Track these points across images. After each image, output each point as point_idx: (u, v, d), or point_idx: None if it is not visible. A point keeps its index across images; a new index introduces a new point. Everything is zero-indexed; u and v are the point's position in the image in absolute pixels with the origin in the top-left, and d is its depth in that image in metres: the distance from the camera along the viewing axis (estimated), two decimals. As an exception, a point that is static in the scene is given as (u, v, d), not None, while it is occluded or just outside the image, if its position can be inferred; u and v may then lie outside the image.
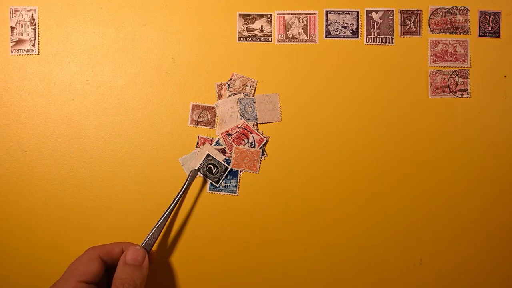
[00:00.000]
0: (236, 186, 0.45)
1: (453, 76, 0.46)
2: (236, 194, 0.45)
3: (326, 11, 0.46)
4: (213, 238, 0.45)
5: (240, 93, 0.46)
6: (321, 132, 0.46)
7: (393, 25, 0.46)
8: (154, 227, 0.41)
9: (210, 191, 0.45)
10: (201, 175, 0.44)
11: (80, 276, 0.35)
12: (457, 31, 0.46)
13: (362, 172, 0.46)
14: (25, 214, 0.45)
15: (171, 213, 0.41)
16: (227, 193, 0.45)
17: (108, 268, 0.39)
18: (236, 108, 0.45)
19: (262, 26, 0.46)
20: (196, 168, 0.43)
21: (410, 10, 0.46)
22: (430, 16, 0.46)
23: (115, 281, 0.36)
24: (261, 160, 0.45)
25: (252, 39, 0.46)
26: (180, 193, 0.42)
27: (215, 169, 0.43)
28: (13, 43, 0.45)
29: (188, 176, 0.43)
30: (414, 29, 0.46)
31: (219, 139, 0.45)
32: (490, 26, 0.46)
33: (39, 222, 0.45)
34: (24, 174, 0.45)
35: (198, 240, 0.45)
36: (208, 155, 0.42)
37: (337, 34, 0.46)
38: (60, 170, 0.45)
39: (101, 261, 0.37)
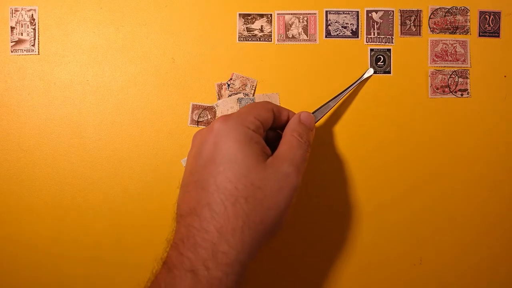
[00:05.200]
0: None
1: (453, 76, 0.46)
2: None
3: (326, 11, 0.46)
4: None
5: (240, 93, 0.46)
6: (321, 132, 0.46)
7: (393, 25, 0.46)
8: (328, 102, 0.42)
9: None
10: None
11: (257, 115, 0.34)
12: (457, 31, 0.46)
13: (362, 172, 0.46)
14: (25, 214, 0.45)
15: (342, 97, 0.43)
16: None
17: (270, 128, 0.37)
18: (236, 108, 0.45)
19: (262, 26, 0.46)
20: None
21: (410, 10, 0.46)
22: (430, 16, 0.46)
23: (293, 131, 0.35)
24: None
25: (252, 39, 0.46)
26: (352, 86, 0.44)
27: None
28: (13, 43, 0.45)
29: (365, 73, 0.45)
30: (414, 29, 0.46)
31: None
32: (490, 26, 0.46)
33: (39, 222, 0.45)
34: (24, 174, 0.45)
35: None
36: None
37: (337, 34, 0.46)
38: (60, 170, 0.45)
39: (273, 114, 0.36)
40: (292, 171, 0.32)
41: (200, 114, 0.46)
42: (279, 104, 0.45)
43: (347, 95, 0.44)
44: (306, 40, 0.46)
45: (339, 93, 0.43)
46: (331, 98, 0.42)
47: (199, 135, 0.34)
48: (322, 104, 0.42)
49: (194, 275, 0.28)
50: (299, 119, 0.37)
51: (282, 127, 0.37)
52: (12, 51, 0.45)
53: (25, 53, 0.45)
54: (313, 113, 0.40)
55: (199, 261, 0.28)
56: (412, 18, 0.46)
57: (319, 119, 0.42)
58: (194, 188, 0.32)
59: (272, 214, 0.31)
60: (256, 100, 0.45)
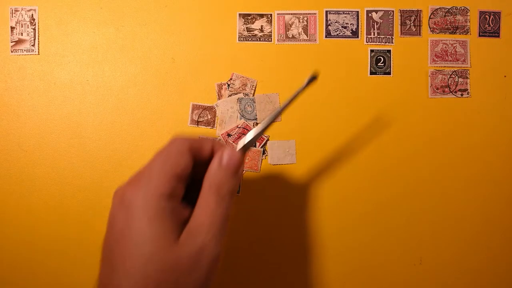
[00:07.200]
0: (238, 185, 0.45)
1: (453, 76, 0.46)
2: (238, 193, 0.45)
3: (326, 11, 0.46)
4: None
5: (240, 93, 0.46)
6: (321, 132, 0.46)
7: (393, 25, 0.46)
8: (259, 128, 0.34)
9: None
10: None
11: (172, 169, 0.29)
12: (457, 31, 0.46)
13: (362, 172, 0.46)
14: (25, 214, 0.45)
15: (277, 116, 0.35)
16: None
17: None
18: (236, 108, 0.45)
19: (262, 26, 0.46)
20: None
21: (410, 10, 0.46)
22: (430, 16, 0.46)
23: (211, 185, 0.31)
24: (262, 159, 0.45)
25: (252, 39, 0.46)
26: (294, 96, 0.36)
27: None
28: (13, 43, 0.45)
29: (309, 79, 0.36)
30: (414, 29, 0.46)
31: (220, 139, 0.45)
32: (490, 26, 0.46)
33: (39, 222, 0.45)
34: (24, 174, 0.45)
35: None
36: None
37: (337, 34, 0.46)
38: (60, 170, 0.45)
39: (191, 156, 0.31)
40: (209, 240, 0.29)
41: (200, 114, 0.46)
42: (279, 105, 0.45)
43: (288, 104, 0.37)
44: (306, 40, 0.46)
45: (267, 119, 0.34)
46: (259, 127, 0.34)
47: (115, 199, 0.30)
48: (249, 134, 0.34)
49: None
50: (220, 163, 0.32)
51: (208, 160, 0.33)
52: (12, 51, 0.45)
53: (25, 53, 0.45)
54: (238, 148, 0.33)
55: None
56: (412, 18, 0.46)
57: (250, 147, 0.35)
58: (107, 263, 0.29)
59: None
60: (256, 101, 0.45)
